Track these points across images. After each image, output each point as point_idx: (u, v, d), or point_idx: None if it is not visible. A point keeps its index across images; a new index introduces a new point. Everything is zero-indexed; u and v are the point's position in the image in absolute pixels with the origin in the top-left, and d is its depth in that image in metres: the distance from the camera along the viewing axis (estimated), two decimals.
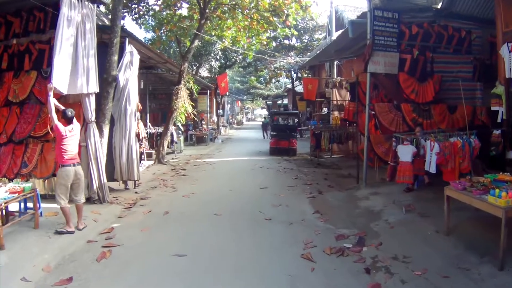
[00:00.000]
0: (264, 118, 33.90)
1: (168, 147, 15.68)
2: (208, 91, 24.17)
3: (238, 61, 24.40)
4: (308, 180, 10.51)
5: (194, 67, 22.44)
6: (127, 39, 9.36)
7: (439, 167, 6.66)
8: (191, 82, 13.49)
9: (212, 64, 22.87)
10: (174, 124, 14.45)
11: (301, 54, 28.29)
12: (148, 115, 18.46)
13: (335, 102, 16.30)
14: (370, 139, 8.29)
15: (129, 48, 9.30)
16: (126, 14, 17.49)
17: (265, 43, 17.47)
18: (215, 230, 6.17)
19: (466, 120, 7.57)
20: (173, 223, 6.55)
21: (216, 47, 21.39)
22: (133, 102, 8.98)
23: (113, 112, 8.86)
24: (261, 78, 43.20)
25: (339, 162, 14.28)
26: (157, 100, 22.42)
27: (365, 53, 8.06)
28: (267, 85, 42.15)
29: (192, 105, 13.56)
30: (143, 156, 14.14)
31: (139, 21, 18.01)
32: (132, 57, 9.29)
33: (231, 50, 23.28)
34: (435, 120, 8.84)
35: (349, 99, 16.06)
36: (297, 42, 30.10)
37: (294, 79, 30.16)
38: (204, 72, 28.40)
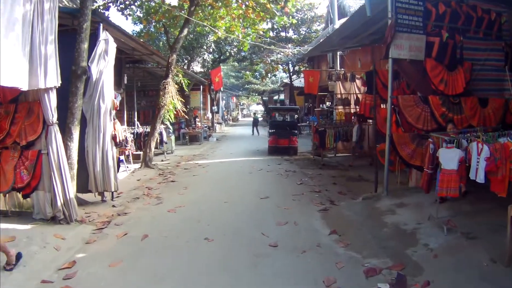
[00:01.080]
0: (254, 114, 33.52)
1: (157, 148, 14.28)
2: (201, 87, 22.73)
3: (233, 54, 22.84)
4: (315, 186, 9.15)
5: (186, 61, 20.90)
6: (101, 24, 7.92)
7: (486, 175, 5.29)
8: (180, 75, 12.03)
9: (205, 58, 21.28)
10: (163, 123, 13.00)
11: (299, 46, 26.83)
12: (136, 113, 17.05)
13: (339, 96, 14.90)
14: (392, 139, 6.91)
15: (103, 35, 7.85)
16: (110, 4, 16.09)
17: (261, 32, 16.01)
18: (205, 266, 4.71)
19: None
20: (152, 253, 5.10)
21: (208, 39, 19.90)
22: (108, 98, 7.55)
23: (84, 111, 7.48)
24: (256, 73, 41.76)
25: (345, 162, 13.00)
26: (148, 97, 20.97)
27: (386, 35, 6.67)
28: (263, 80, 40.68)
29: (181, 101, 12.10)
30: (129, 159, 12.77)
31: (125, 11, 16.56)
32: (107, 45, 7.84)
33: (225, 43, 21.81)
34: (466, 115, 7.45)
35: (358, 91, 14.82)
36: (295, 34, 28.65)
37: (292, 72, 28.74)
38: (197, 67, 26.93)
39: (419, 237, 5.19)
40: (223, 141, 22.40)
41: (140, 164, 12.13)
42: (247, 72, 39.17)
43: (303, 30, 27.78)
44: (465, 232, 5.10)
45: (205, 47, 19.94)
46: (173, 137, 16.69)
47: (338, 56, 15.88)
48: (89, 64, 7.41)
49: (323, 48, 15.20)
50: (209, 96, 29.13)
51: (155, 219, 6.64)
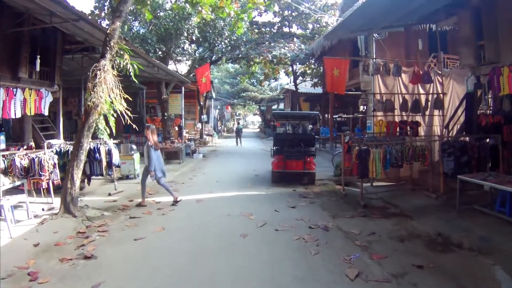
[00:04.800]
0: (238, 123, 33.06)
1: (105, 174, 9.20)
2: (183, 89, 17.80)
3: (224, 46, 17.67)
4: (389, 282, 4.13)
5: (159, 52, 15.64)
6: None
7: None
8: (125, 55, 6.99)
9: (185, 48, 16.01)
10: (95, 136, 7.91)
11: (305, 44, 22.01)
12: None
13: (378, 97, 9.94)
14: None
15: None
16: None
17: (262, 7, 11.07)
18: None
19: None
20: None
21: (190, 23, 14.92)
22: None
23: None
24: (253, 80, 37.00)
25: (392, 199, 8.14)
26: None
27: None
28: (261, 84, 35.67)
29: (126, 98, 7.06)
30: (50, 194, 7.74)
31: None
32: None
33: (213, 32, 16.89)
34: None
35: (406, 91, 9.98)
36: (299, 28, 23.85)
37: (297, 72, 23.87)
38: (182, 67, 22.03)
39: None
40: (211, 159, 17.27)
41: (59, 207, 7.06)
42: (243, 76, 34.41)
43: (310, 24, 22.94)
44: None
45: (185, 34, 14.86)
46: (136, 156, 11.63)
47: (373, 41, 10.93)
48: None
49: (352, 27, 10.30)
50: (197, 103, 24.37)
51: None
